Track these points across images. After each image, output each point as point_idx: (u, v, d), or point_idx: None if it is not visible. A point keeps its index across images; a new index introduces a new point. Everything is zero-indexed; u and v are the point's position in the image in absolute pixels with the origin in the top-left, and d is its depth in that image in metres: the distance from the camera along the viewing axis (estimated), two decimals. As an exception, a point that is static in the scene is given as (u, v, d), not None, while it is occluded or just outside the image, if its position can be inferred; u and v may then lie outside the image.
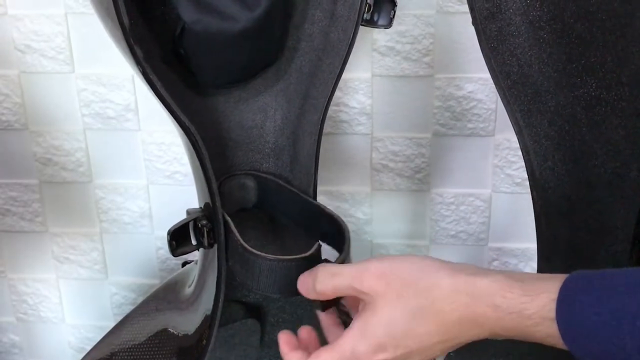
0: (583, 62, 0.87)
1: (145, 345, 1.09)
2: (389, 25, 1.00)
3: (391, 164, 1.42)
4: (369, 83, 1.36)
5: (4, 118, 1.41)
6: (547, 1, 0.86)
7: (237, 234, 0.97)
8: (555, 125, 0.90)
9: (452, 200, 1.44)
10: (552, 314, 0.71)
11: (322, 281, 0.84)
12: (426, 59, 1.33)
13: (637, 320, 0.66)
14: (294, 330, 1.17)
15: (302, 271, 0.94)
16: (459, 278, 0.78)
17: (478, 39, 0.89)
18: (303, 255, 0.94)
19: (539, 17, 0.87)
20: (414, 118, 1.38)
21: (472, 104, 1.35)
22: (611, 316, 0.68)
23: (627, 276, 0.70)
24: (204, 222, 0.99)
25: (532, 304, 0.73)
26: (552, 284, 0.73)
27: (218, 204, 0.97)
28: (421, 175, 1.42)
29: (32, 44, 1.36)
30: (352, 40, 1.00)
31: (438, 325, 0.77)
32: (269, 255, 0.94)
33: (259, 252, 0.94)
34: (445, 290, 0.77)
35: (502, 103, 0.94)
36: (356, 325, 0.80)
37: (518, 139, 0.93)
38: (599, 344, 0.69)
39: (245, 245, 0.95)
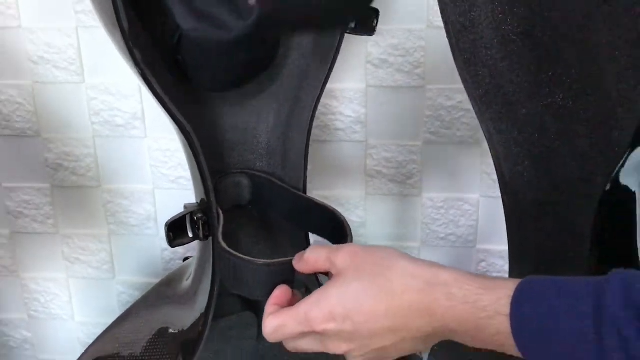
0: (551, 74, 0.87)
1: (146, 337, 1.09)
2: (372, 33, 1.00)
3: (384, 170, 1.43)
4: (364, 93, 1.37)
5: (18, 126, 1.43)
6: (517, 16, 0.86)
7: (220, 236, 0.96)
8: (525, 133, 0.91)
9: (442, 204, 1.45)
10: (507, 309, 0.70)
11: (313, 250, 0.84)
12: (418, 71, 1.34)
13: (586, 324, 0.66)
14: None
15: (283, 274, 0.91)
16: (418, 266, 0.77)
17: (452, 51, 0.89)
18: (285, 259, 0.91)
19: (510, 30, 0.87)
20: (406, 126, 1.39)
21: (460, 114, 1.36)
22: (563, 317, 0.68)
23: (581, 283, 0.69)
24: (200, 215, 1.00)
25: (487, 297, 0.72)
26: (510, 283, 0.72)
27: (213, 198, 0.98)
28: (413, 181, 1.43)
29: (45, 56, 1.37)
30: (338, 47, 1.00)
31: (387, 306, 0.75)
32: (251, 260, 0.92)
33: (239, 254, 0.93)
34: (402, 273, 0.76)
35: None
36: (316, 292, 0.79)
37: (489, 145, 0.93)
38: (547, 344, 0.69)
39: (225, 245, 0.95)
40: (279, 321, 0.81)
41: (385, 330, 0.76)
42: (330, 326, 0.77)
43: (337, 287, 0.78)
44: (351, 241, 0.97)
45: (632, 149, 0.84)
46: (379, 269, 0.77)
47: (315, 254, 0.84)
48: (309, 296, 0.80)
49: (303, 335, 0.80)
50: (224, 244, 0.95)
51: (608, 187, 0.87)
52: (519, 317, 0.70)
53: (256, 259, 0.91)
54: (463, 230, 1.46)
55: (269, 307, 0.85)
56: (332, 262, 0.81)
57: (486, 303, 0.72)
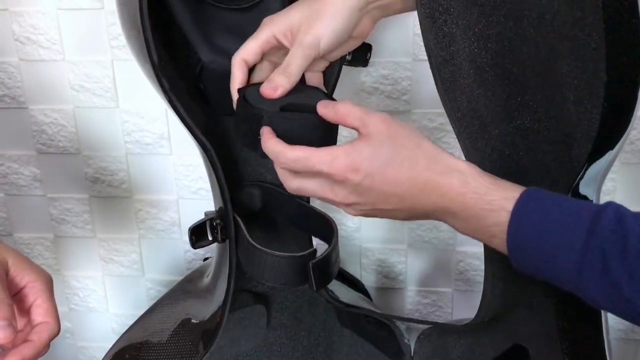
0: (519, 99, 0.87)
1: (171, 326, 1.10)
2: (366, 64, 1.00)
3: None
4: None
5: (61, 144, 1.44)
6: (491, 50, 0.86)
7: (246, 233, 0.97)
8: (497, 150, 0.91)
9: None
10: (511, 206, 0.70)
11: (344, 103, 0.79)
12: (405, 97, 1.34)
13: (578, 237, 0.66)
14: (296, 315, 1.15)
15: (298, 267, 0.95)
16: (441, 151, 0.77)
17: (434, 80, 0.89)
18: (301, 253, 0.95)
19: (484, 63, 0.87)
20: None
21: (442, 134, 1.36)
22: (560, 224, 0.68)
23: (583, 202, 0.70)
24: (218, 221, 1.00)
25: (496, 193, 0.72)
26: (518, 187, 0.72)
27: (229, 206, 0.98)
28: None
29: (84, 85, 1.38)
30: (337, 76, 1.01)
31: (406, 176, 0.74)
32: (274, 252, 0.95)
33: (263, 248, 0.96)
34: (428, 153, 0.76)
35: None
36: (346, 145, 0.76)
37: (466, 160, 0.90)
38: (536, 244, 0.69)
39: (253, 242, 0.96)
40: (305, 154, 0.77)
41: (396, 195, 0.75)
42: (351, 177, 0.75)
43: (370, 146, 0.75)
44: (336, 243, 0.98)
45: (589, 164, 0.84)
46: (409, 144, 0.76)
47: (348, 108, 0.78)
48: (339, 146, 0.77)
49: (316, 175, 0.77)
50: (252, 242, 0.96)
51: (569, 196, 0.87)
52: (520, 214, 0.70)
53: (279, 252, 0.93)
54: (444, 235, 1.45)
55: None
56: (364, 122, 0.77)
57: (494, 197, 0.72)
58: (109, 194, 1.48)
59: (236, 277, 1.01)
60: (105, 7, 1.32)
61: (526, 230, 0.70)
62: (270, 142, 0.79)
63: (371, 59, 1.01)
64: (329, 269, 0.97)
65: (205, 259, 1.30)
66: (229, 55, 0.99)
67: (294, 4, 0.89)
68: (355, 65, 1.01)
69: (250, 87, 0.89)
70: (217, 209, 1.04)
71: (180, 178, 1.45)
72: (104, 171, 1.46)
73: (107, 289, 1.58)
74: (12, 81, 1.38)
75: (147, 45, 0.90)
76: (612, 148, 0.83)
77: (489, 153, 0.91)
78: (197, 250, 1.42)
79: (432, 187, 0.74)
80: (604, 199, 1.34)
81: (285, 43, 0.87)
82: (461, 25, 0.87)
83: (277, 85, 0.84)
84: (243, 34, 1.01)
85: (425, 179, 0.74)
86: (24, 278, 0.79)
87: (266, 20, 0.89)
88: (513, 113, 0.88)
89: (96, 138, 1.43)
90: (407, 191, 0.75)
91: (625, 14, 0.75)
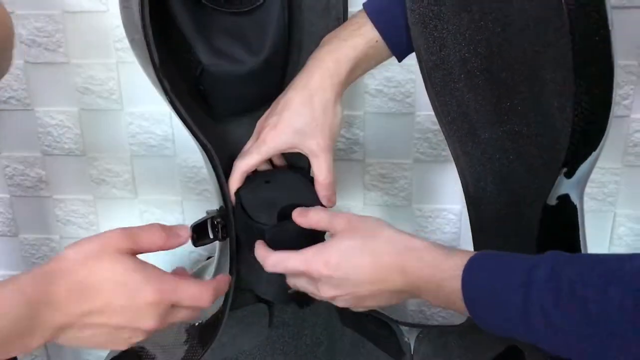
0: (508, 104, 0.89)
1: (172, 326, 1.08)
2: None
3: (380, 185, 1.44)
4: (362, 119, 1.39)
5: (66, 146, 1.46)
6: (480, 55, 0.88)
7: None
8: (487, 154, 0.92)
9: (429, 214, 1.46)
10: (460, 272, 0.76)
11: (316, 211, 0.91)
12: (408, 100, 1.36)
13: (515, 292, 0.71)
14: (298, 314, 1.17)
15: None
16: (400, 234, 0.84)
17: (425, 84, 0.91)
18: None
19: (474, 67, 0.89)
20: (398, 147, 1.41)
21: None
22: (500, 284, 0.73)
23: (522, 259, 0.74)
24: (219, 219, 1.02)
25: (448, 262, 0.78)
26: (467, 253, 0.78)
27: (230, 205, 1.00)
28: (404, 194, 1.44)
29: (90, 87, 1.40)
30: None
31: (371, 262, 0.82)
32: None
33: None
34: (386, 238, 0.83)
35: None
36: (318, 246, 0.86)
37: (455, 164, 0.95)
38: (486, 303, 0.74)
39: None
40: (282, 256, 0.88)
41: (367, 281, 0.83)
42: (324, 272, 0.84)
43: (335, 243, 0.85)
44: None
45: (575, 167, 0.86)
46: (369, 233, 0.85)
47: (318, 216, 0.90)
48: (312, 247, 0.86)
49: (301, 274, 0.87)
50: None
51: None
52: (468, 280, 0.76)
53: None
54: (448, 236, 1.46)
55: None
56: (332, 224, 0.88)
57: (446, 267, 0.78)
58: (114, 195, 1.50)
59: (237, 275, 1.02)
60: (110, 10, 1.34)
61: (476, 292, 0.75)
62: (268, 255, 0.91)
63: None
64: None
65: (208, 257, 1.31)
66: (228, 58, 1.03)
67: (290, 111, 0.96)
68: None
69: (245, 191, 0.99)
70: (218, 208, 1.05)
71: (185, 180, 1.47)
72: (109, 173, 1.48)
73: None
74: (18, 83, 1.41)
75: (148, 48, 0.92)
76: (594, 149, 0.85)
77: (478, 157, 0.93)
78: (202, 252, 1.45)
79: (394, 268, 0.81)
80: (607, 201, 1.38)
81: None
82: (451, 30, 0.89)
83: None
84: (243, 37, 1.04)
85: (387, 262, 0.82)
86: None
87: (268, 137, 0.98)
88: (502, 117, 0.90)
89: (101, 140, 1.45)
90: (374, 276, 0.83)
91: (594, 24, 0.77)
